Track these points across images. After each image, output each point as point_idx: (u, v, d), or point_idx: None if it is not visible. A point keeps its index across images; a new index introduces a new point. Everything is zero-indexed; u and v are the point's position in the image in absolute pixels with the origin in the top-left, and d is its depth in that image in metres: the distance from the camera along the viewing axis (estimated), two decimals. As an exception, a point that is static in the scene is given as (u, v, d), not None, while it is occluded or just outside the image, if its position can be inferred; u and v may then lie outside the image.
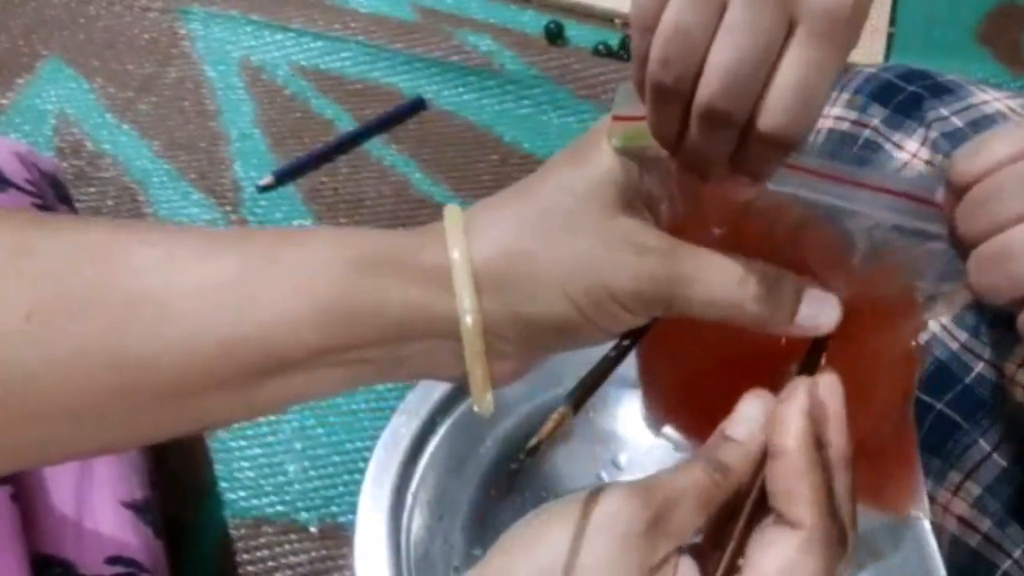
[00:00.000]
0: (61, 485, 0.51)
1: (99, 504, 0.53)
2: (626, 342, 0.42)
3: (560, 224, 0.39)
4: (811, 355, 0.42)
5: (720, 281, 0.40)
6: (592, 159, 0.41)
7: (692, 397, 0.50)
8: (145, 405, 0.39)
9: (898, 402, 0.48)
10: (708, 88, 0.35)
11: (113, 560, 0.52)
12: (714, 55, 0.34)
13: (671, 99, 0.36)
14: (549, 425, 0.37)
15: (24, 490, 0.49)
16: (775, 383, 0.43)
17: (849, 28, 0.35)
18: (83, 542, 0.50)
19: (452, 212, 0.40)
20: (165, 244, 0.40)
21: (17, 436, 0.39)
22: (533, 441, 0.37)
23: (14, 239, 0.39)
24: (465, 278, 0.38)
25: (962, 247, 0.38)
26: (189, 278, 0.38)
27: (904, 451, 0.48)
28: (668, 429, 0.51)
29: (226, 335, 0.38)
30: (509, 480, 0.43)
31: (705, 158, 0.37)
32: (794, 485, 0.36)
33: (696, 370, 0.48)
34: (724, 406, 0.44)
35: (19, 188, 0.60)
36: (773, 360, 0.45)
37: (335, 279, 0.38)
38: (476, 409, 0.42)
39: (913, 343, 0.46)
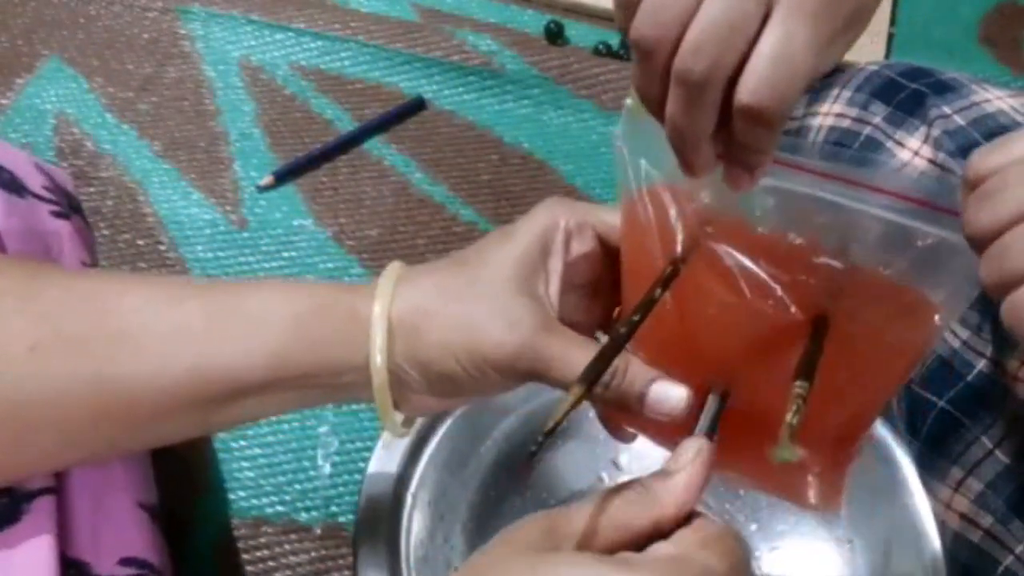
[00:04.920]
0: (80, 486, 0.52)
1: (116, 505, 0.55)
2: (635, 317, 0.44)
3: (461, 292, 0.46)
4: (807, 361, 0.43)
5: (571, 369, 0.43)
6: (514, 238, 0.47)
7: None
8: (122, 425, 0.47)
9: (876, 403, 0.49)
10: (683, 49, 0.37)
11: (127, 561, 0.53)
12: (695, 19, 0.37)
13: (652, 58, 0.38)
14: (565, 405, 0.40)
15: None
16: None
17: (833, 4, 0.37)
18: (99, 542, 0.52)
19: (391, 269, 0.48)
20: (143, 290, 0.47)
21: (9, 451, 0.46)
22: (551, 423, 0.39)
23: (21, 285, 0.46)
24: (380, 325, 0.45)
25: (972, 243, 0.39)
26: (163, 319, 0.46)
27: (848, 449, 0.49)
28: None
29: (193, 366, 0.45)
30: (528, 462, 0.46)
31: (686, 130, 0.39)
32: None
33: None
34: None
35: (38, 196, 0.61)
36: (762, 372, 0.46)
37: (286, 323, 0.46)
38: (385, 431, 0.49)
39: (916, 352, 0.47)
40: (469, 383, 0.46)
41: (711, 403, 0.47)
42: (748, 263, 0.45)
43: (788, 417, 0.40)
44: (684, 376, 0.47)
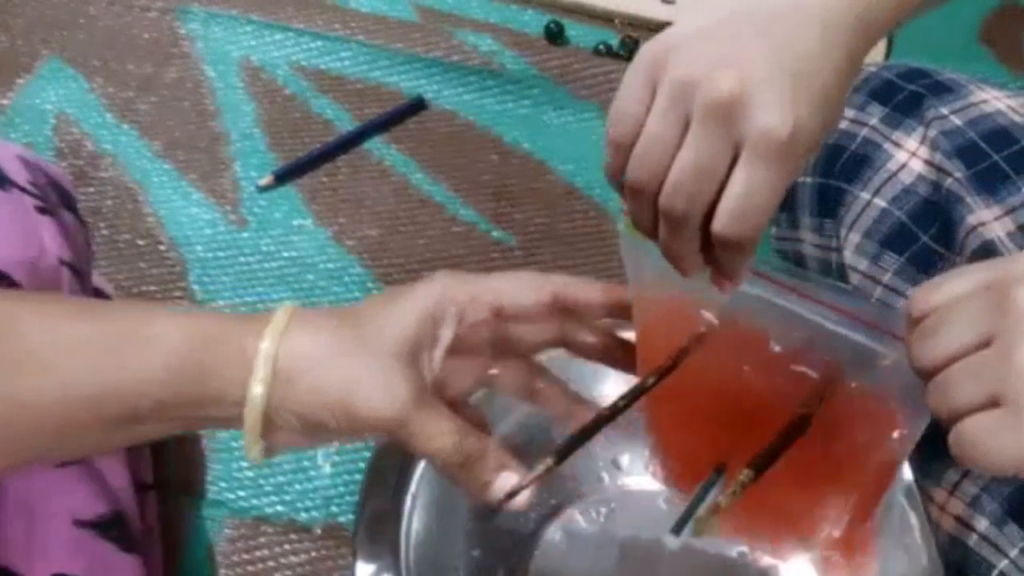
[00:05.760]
0: (14, 496, 0.53)
1: (51, 520, 0.56)
2: (622, 402, 0.50)
3: (347, 349, 0.48)
4: (765, 455, 0.48)
5: (432, 445, 0.47)
6: (406, 305, 0.50)
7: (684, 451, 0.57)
8: (32, 438, 0.48)
9: (873, 493, 0.53)
10: (665, 189, 0.44)
11: None
12: (673, 164, 0.44)
13: (643, 195, 0.46)
14: (533, 474, 0.46)
15: None
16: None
17: (789, 150, 0.43)
18: (32, 554, 0.53)
19: (284, 310, 0.49)
20: (43, 313, 0.49)
21: None
22: (515, 486, 0.45)
23: None
24: (262, 363, 0.47)
25: (919, 375, 0.43)
26: (65, 340, 0.47)
27: (858, 526, 0.54)
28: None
29: (95, 385, 0.47)
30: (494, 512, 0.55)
31: (675, 250, 0.47)
32: None
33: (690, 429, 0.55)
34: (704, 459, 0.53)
35: (22, 189, 0.61)
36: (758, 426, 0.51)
37: (176, 351, 0.47)
38: (246, 456, 0.50)
39: (888, 457, 0.51)
40: (340, 433, 0.48)
41: (711, 477, 0.53)
42: (737, 363, 0.52)
43: (721, 498, 0.45)
44: (695, 445, 0.54)
